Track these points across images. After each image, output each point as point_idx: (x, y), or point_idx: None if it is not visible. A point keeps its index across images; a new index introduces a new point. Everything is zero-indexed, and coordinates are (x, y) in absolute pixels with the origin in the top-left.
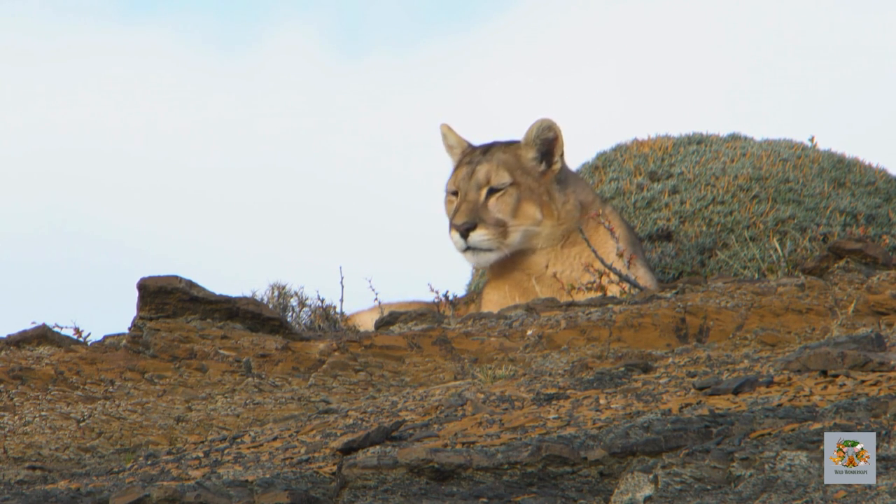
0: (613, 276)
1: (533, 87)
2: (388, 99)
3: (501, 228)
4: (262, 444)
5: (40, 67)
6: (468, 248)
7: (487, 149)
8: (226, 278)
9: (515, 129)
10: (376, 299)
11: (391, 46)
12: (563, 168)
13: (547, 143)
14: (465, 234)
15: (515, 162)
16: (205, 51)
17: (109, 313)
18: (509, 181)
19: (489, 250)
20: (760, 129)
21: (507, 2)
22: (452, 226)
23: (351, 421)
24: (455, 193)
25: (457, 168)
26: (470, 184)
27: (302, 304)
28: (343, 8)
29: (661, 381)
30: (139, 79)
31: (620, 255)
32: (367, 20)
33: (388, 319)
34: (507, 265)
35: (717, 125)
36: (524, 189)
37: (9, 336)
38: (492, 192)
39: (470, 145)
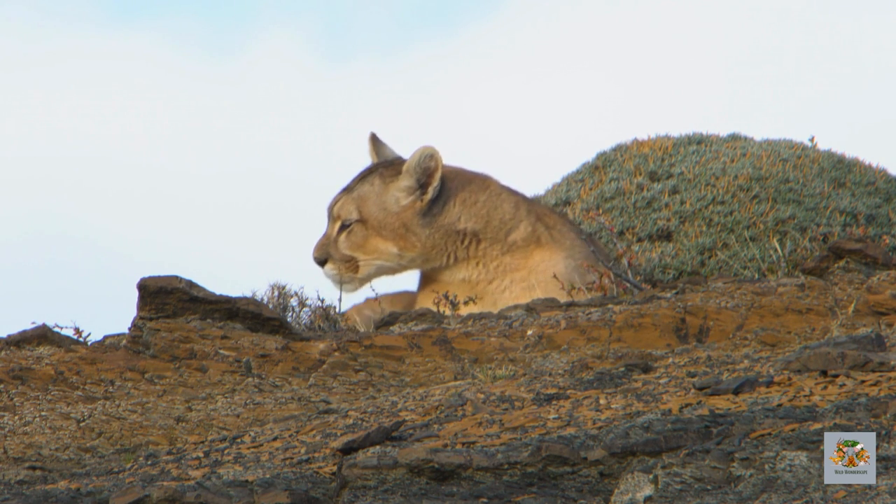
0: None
1: (529, 88)
2: (374, 103)
3: (351, 263)
4: (262, 444)
5: (28, 72)
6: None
7: (363, 175)
8: (222, 282)
9: (508, 132)
10: (373, 291)
11: (377, 51)
12: (441, 198)
13: (428, 171)
14: (321, 266)
15: (376, 195)
16: (192, 56)
17: (108, 316)
18: (356, 218)
19: (346, 282)
20: (760, 129)
21: (494, 5)
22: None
23: (351, 421)
24: None
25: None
26: (330, 215)
27: (302, 304)
28: (329, 13)
29: (661, 381)
30: (127, 83)
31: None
32: (353, 25)
33: (388, 319)
34: (432, 276)
35: (717, 125)
36: (372, 225)
37: (9, 336)
38: (343, 227)
39: (378, 161)
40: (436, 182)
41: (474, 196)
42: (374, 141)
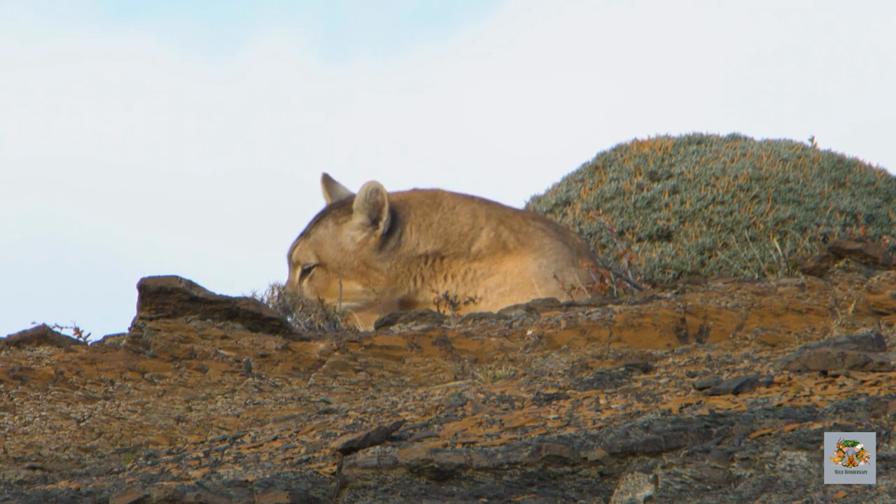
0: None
1: (528, 88)
2: (373, 103)
3: (319, 306)
4: (262, 444)
5: (27, 72)
6: None
7: (318, 218)
8: (222, 282)
9: (508, 132)
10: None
11: (376, 51)
12: (396, 228)
13: (377, 206)
14: (290, 312)
15: (331, 237)
16: (191, 55)
17: (108, 316)
18: (314, 262)
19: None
20: (760, 129)
21: (493, 5)
22: None
23: (351, 421)
24: None
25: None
26: (290, 262)
27: (302, 304)
28: (328, 13)
29: (661, 381)
30: (126, 83)
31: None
32: (352, 25)
33: (388, 319)
34: (407, 303)
35: (717, 125)
36: (332, 268)
37: (9, 336)
38: (304, 272)
39: (331, 203)
40: (385, 216)
41: (428, 218)
42: (327, 181)
